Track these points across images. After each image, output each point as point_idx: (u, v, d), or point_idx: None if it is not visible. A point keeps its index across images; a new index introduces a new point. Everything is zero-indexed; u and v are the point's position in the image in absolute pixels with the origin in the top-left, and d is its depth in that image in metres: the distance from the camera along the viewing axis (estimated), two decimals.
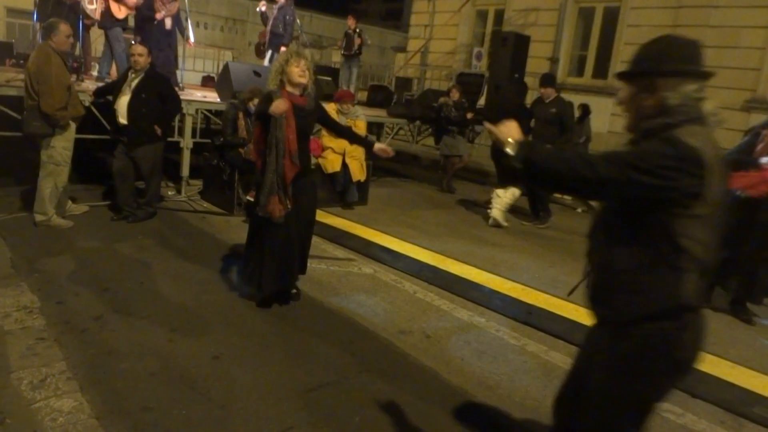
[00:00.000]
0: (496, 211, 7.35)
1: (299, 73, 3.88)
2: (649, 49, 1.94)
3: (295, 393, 3.15)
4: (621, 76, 2.00)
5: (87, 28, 8.52)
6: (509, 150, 1.89)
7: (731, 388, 3.58)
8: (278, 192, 3.85)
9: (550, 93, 7.38)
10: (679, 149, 1.73)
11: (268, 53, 9.75)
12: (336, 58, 13.62)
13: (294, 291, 4.36)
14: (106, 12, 8.02)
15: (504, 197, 7.34)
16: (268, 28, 9.50)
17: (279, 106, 3.65)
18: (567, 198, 9.68)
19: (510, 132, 1.92)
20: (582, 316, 4.47)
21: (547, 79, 7.52)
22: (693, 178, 1.72)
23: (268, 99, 3.80)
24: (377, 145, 4.19)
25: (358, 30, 11.36)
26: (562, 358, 3.92)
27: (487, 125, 2.07)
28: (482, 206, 8.05)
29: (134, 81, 5.65)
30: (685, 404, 3.46)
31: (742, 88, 9.88)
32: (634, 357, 1.87)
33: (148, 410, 2.85)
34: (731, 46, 9.93)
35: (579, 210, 9.24)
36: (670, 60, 1.88)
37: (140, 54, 5.62)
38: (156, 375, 3.18)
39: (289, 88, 3.90)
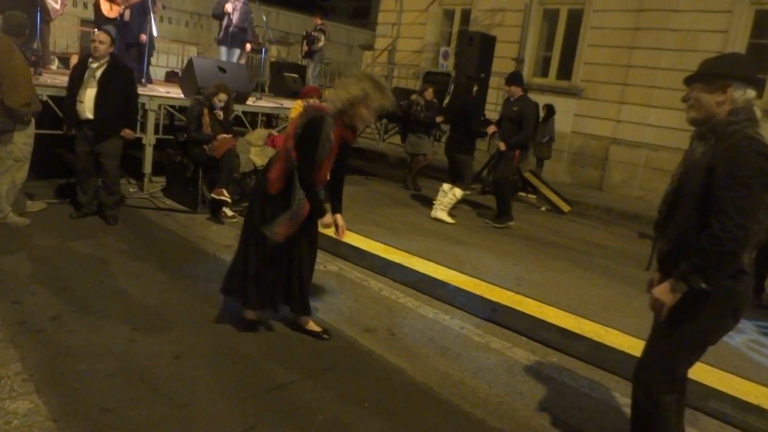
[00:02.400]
0: (440, 213, 7.49)
1: (367, 118, 3.37)
2: (724, 59, 2.43)
3: (258, 392, 3.12)
4: (693, 78, 2.37)
5: (46, 22, 8.35)
6: (702, 286, 2.23)
7: (687, 383, 3.67)
8: (293, 220, 3.44)
9: (514, 92, 7.39)
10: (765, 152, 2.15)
11: (236, 51, 9.63)
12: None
13: (320, 330, 3.84)
14: (97, 11, 7.98)
15: (447, 196, 7.48)
16: (234, 23, 9.38)
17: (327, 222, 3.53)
18: (531, 197, 9.84)
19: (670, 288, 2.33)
20: (545, 313, 4.56)
21: (511, 78, 7.54)
22: None
23: (320, 124, 3.33)
24: (335, 218, 3.69)
25: (320, 27, 11.29)
26: (525, 354, 3.98)
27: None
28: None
29: (98, 71, 5.39)
30: None
31: None
32: None
33: (107, 411, 2.80)
34: (690, 50, 10.17)
35: (543, 209, 9.38)
36: (740, 68, 2.31)
37: (102, 41, 5.37)
38: (115, 375, 3.11)
39: (346, 119, 3.39)
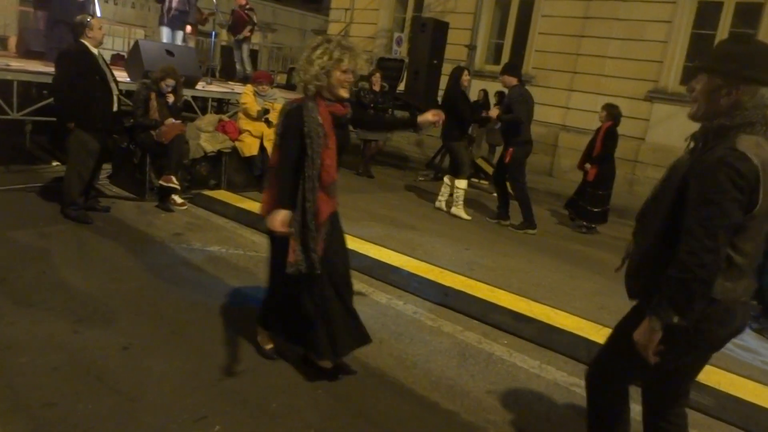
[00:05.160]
0: (456, 209, 7.52)
1: (346, 80, 2.87)
2: (737, 49, 2.01)
3: (210, 381, 3.08)
4: (705, 69, 2.05)
5: None
6: (675, 321, 1.96)
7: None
8: (309, 235, 2.86)
9: (508, 81, 7.13)
10: (740, 170, 1.86)
11: (179, 33, 9.39)
12: (256, 39, 13.22)
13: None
14: None
15: (457, 192, 7.51)
16: (174, 5, 9.12)
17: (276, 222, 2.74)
18: (484, 182, 9.95)
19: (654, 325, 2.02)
20: (496, 296, 4.63)
21: (504, 68, 7.35)
22: (753, 194, 1.90)
23: (299, 110, 2.84)
24: (422, 117, 3.26)
25: (250, 7, 10.90)
26: (477, 337, 4.04)
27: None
28: (401, 190, 8.14)
29: (100, 60, 5.30)
30: None
31: (645, 79, 10.41)
32: None
33: (51, 406, 2.71)
34: (637, 39, 10.43)
35: (495, 194, 9.48)
36: (755, 66, 1.95)
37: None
38: (59, 369, 3.02)
39: (326, 95, 2.90)
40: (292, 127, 2.84)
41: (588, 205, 7.42)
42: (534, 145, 11.26)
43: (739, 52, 1.99)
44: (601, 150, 7.23)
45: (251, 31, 10.72)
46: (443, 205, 7.72)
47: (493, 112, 7.44)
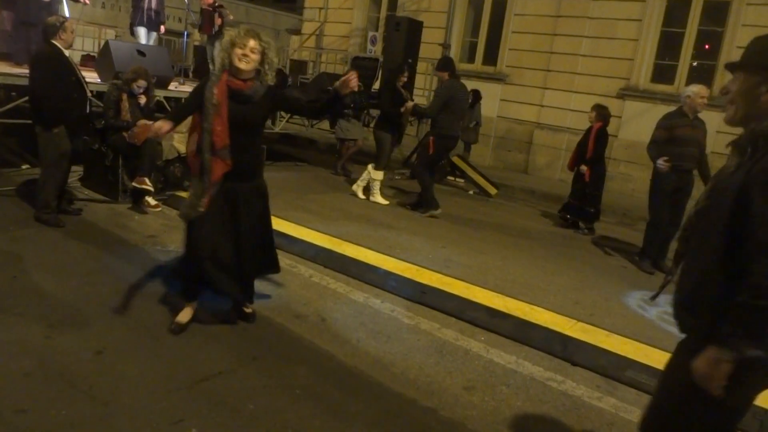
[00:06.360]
0: (355, 186, 7.96)
1: (240, 55, 3.33)
2: None
3: (186, 384, 3.05)
4: (742, 66, 1.85)
5: None
6: (755, 354, 1.66)
7: (606, 355, 3.86)
8: (203, 188, 3.44)
9: (439, 76, 7.40)
10: None
11: (153, 34, 9.28)
12: None
13: (249, 311, 3.88)
14: None
15: (375, 181, 7.77)
16: (153, 6, 9.02)
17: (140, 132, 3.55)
18: (459, 181, 10.01)
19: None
20: (472, 293, 4.66)
21: (437, 64, 7.57)
22: None
23: (202, 84, 3.48)
24: (338, 83, 3.71)
25: (217, 4, 10.72)
26: (453, 334, 4.07)
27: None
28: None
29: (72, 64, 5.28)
30: (565, 372, 3.70)
31: (617, 77, 10.56)
32: None
33: (23, 412, 2.66)
34: (608, 37, 10.57)
35: (471, 192, 9.56)
36: None
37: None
38: (31, 374, 2.97)
39: (232, 69, 3.40)
40: (197, 88, 3.48)
41: (585, 205, 7.52)
42: (508, 142, 11.34)
43: None
44: (594, 151, 7.31)
45: (221, 16, 10.47)
46: (359, 192, 7.87)
47: (408, 106, 7.58)
